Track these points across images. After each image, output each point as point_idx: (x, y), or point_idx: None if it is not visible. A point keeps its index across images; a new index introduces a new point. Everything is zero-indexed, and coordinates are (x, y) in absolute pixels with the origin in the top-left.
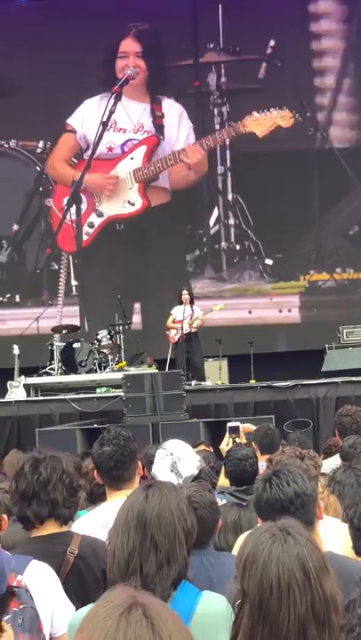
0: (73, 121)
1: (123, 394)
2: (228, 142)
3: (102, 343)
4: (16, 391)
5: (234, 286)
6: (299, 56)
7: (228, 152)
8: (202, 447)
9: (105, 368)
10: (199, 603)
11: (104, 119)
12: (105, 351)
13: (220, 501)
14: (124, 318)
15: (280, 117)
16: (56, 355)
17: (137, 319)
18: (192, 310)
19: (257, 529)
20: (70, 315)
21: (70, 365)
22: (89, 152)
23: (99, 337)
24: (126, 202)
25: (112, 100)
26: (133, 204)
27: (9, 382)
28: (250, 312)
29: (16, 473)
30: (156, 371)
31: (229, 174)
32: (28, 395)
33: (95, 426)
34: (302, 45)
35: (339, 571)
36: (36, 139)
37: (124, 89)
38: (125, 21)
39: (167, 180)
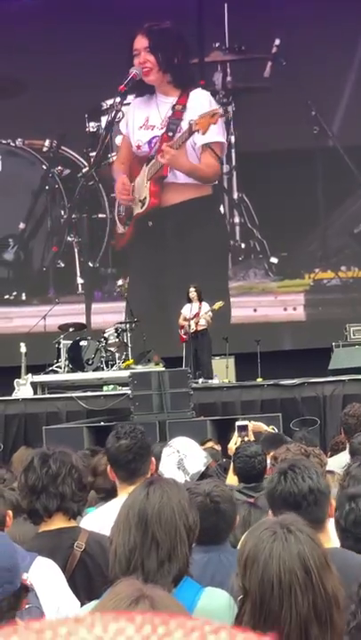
0: (122, 125)
1: (130, 392)
2: (233, 141)
3: (109, 341)
4: (23, 389)
5: (239, 284)
6: (304, 55)
7: (233, 151)
8: (210, 444)
9: (112, 366)
10: (201, 598)
11: (109, 118)
12: (112, 349)
13: None
14: (131, 316)
15: (210, 117)
16: (63, 353)
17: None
18: (199, 308)
19: (258, 525)
20: (77, 312)
21: (77, 363)
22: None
23: (105, 335)
24: (141, 201)
25: (119, 99)
26: (144, 203)
27: (16, 380)
28: (255, 310)
29: (25, 467)
30: (163, 369)
31: (235, 173)
32: (35, 392)
33: (102, 424)
34: (308, 44)
35: (344, 566)
36: (43, 138)
37: (156, 87)
38: (133, 20)
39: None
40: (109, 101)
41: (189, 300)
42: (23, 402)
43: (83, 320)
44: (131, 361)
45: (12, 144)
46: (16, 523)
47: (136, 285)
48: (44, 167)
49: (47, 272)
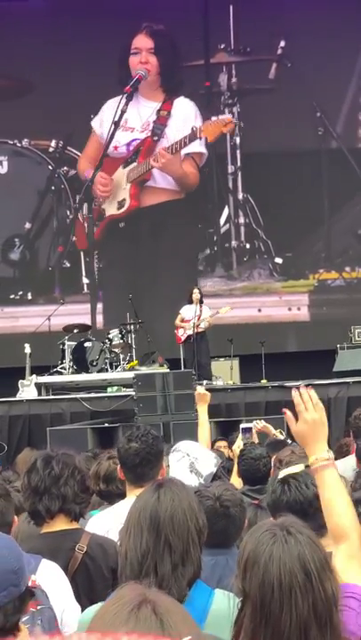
0: (95, 122)
1: (134, 393)
2: (238, 142)
3: (113, 342)
4: (27, 390)
5: (244, 284)
6: (309, 57)
7: (238, 152)
8: (222, 444)
9: (116, 367)
10: (213, 602)
11: (116, 119)
12: (116, 350)
13: None
14: (135, 317)
15: (223, 125)
16: (67, 354)
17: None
18: (200, 310)
19: (257, 528)
20: (82, 312)
21: (81, 364)
22: (115, 152)
23: (110, 336)
24: (119, 202)
25: (124, 100)
26: (123, 205)
27: (20, 381)
28: (259, 310)
29: (28, 468)
30: (168, 370)
31: (240, 174)
32: (40, 393)
33: (106, 425)
34: (313, 46)
35: None
36: (49, 138)
37: (140, 88)
38: (138, 21)
39: (170, 181)
40: (110, 102)
41: (190, 302)
42: (27, 403)
43: (88, 320)
44: (135, 362)
45: (18, 144)
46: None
47: (108, 287)
48: (50, 167)
49: (53, 272)
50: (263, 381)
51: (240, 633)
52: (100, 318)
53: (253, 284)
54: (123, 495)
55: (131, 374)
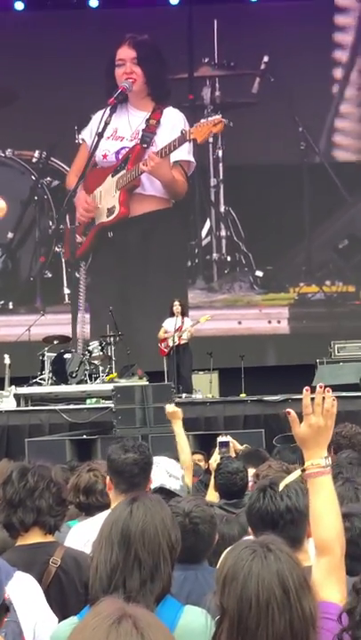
0: (84, 134)
1: (113, 405)
2: (221, 155)
3: (93, 354)
4: (6, 401)
5: (224, 297)
6: (292, 72)
7: (220, 165)
8: (198, 457)
9: (95, 379)
10: (181, 617)
11: (99, 130)
12: (96, 362)
13: None
14: (115, 330)
15: (213, 125)
16: (47, 365)
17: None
18: (182, 322)
19: (238, 545)
20: (63, 322)
21: (61, 376)
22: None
23: (90, 348)
24: (109, 209)
25: (108, 112)
26: (113, 212)
27: None
28: (239, 323)
29: (4, 480)
30: (147, 383)
31: (222, 186)
32: (19, 404)
33: (85, 437)
34: (295, 62)
35: None
36: (33, 148)
37: (130, 97)
38: (123, 33)
39: (158, 187)
40: (98, 113)
41: (172, 314)
42: (6, 414)
43: (69, 330)
44: (114, 374)
45: (1, 154)
46: None
47: (95, 296)
48: (34, 178)
49: (34, 282)
50: (242, 395)
51: None
52: (85, 328)
53: (234, 297)
54: (103, 507)
55: (110, 386)
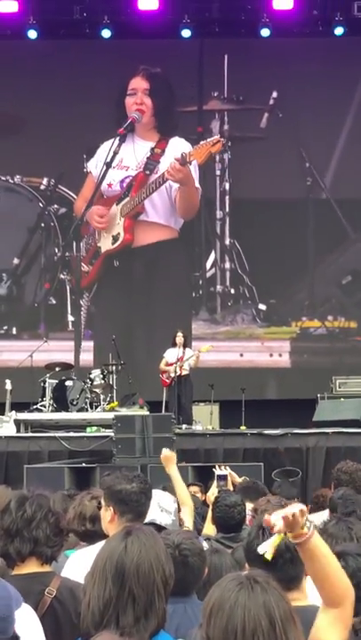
0: (91, 164)
1: (113, 434)
2: (228, 188)
3: (95, 382)
4: (6, 426)
5: (227, 329)
6: (300, 108)
7: (227, 197)
8: (194, 489)
9: (96, 407)
10: None
11: (107, 160)
12: (97, 390)
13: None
14: (117, 359)
15: (211, 145)
16: (48, 392)
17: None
18: (183, 353)
19: (225, 578)
20: (66, 349)
21: (62, 403)
22: (109, 190)
23: (91, 376)
24: (113, 237)
25: (117, 141)
26: (117, 239)
27: None
28: (241, 355)
29: (2, 509)
30: (148, 412)
31: (228, 219)
32: (18, 430)
33: (84, 465)
34: (304, 98)
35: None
36: (41, 175)
37: (136, 128)
38: (134, 63)
39: (162, 214)
40: (106, 143)
41: (174, 345)
42: (6, 439)
43: (71, 357)
44: (115, 403)
45: (10, 181)
46: None
47: (101, 325)
48: (41, 205)
49: (39, 308)
50: (242, 428)
51: None
52: (89, 356)
53: (236, 329)
54: (105, 535)
55: (110, 415)
